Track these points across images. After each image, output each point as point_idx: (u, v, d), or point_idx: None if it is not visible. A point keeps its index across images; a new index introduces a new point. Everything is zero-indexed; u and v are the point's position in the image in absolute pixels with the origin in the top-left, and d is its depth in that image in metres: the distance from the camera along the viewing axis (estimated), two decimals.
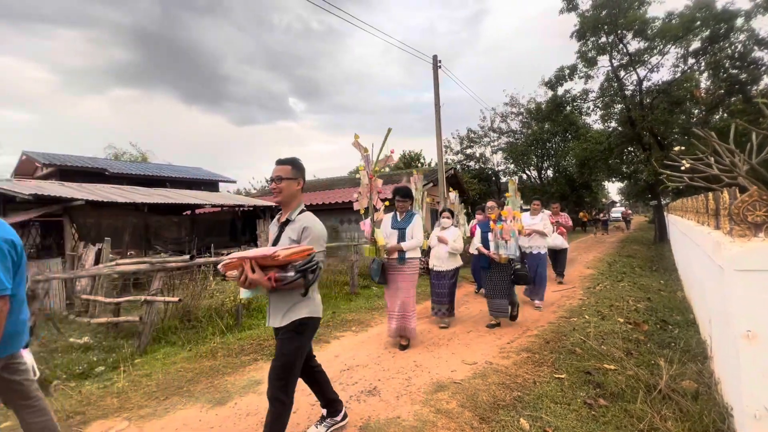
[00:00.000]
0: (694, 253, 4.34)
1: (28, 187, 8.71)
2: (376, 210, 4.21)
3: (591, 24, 14.48)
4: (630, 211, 28.16)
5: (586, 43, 15.27)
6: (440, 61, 12.44)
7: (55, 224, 9.17)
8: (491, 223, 4.65)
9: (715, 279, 2.55)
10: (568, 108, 17.54)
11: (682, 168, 4.21)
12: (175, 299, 4.47)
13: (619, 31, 14.47)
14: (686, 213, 5.58)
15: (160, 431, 2.58)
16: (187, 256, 5.29)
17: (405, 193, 4.23)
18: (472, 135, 26.56)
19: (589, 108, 17.38)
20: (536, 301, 5.62)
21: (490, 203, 4.86)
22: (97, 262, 6.15)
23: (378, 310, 5.78)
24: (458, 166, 24.35)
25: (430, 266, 4.95)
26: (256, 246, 11.00)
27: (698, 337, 3.76)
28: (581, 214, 24.07)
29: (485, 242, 4.77)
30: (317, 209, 11.40)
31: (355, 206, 4.28)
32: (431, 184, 13.01)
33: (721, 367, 2.62)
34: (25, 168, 14.79)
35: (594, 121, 20.08)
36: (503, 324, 4.78)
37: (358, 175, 4.98)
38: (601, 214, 23.45)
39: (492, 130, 26.33)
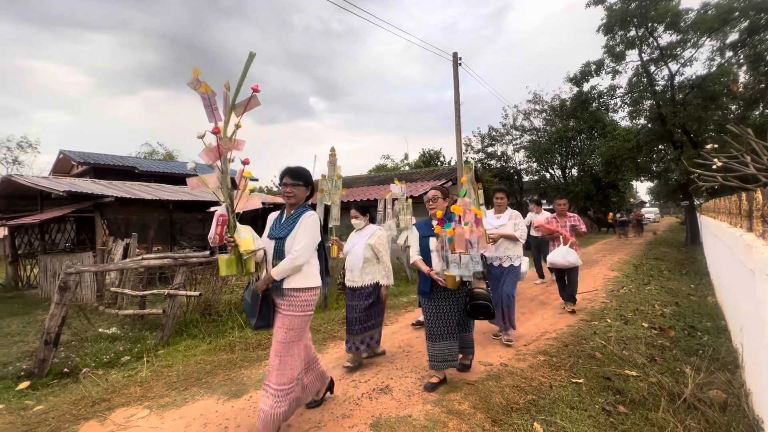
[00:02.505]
0: (725, 257, 4.13)
1: (62, 184, 9.18)
2: (234, 189, 2.33)
3: (619, 17, 13.94)
4: (642, 213, 25.89)
5: (614, 37, 14.71)
6: (461, 59, 12.29)
7: (89, 220, 9.63)
8: (434, 224, 3.00)
9: (746, 284, 2.41)
10: (594, 105, 16.95)
11: (714, 167, 4.00)
12: (196, 293, 4.61)
13: (649, 24, 13.86)
14: (719, 214, 5.30)
15: (179, 420, 2.67)
16: (209, 252, 5.44)
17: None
18: (494, 133, 26.11)
19: (616, 104, 16.74)
20: (504, 336, 4.09)
21: (432, 192, 3.20)
22: (125, 256, 6.42)
23: (393, 309, 5.78)
24: (479, 165, 24.02)
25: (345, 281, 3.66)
26: None
27: (729, 344, 3.57)
28: (610, 215, 23.24)
29: (426, 254, 3.08)
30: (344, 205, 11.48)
31: (193, 186, 2.36)
32: (450, 183, 12.89)
33: (752, 377, 2.48)
34: (62, 166, 15.59)
35: (621, 118, 19.30)
36: (519, 325, 4.65)
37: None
38: (619, 214, 22.47)
39: (514, 127, 25.80)
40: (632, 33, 14.51)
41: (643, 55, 14.75)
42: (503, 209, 4.27)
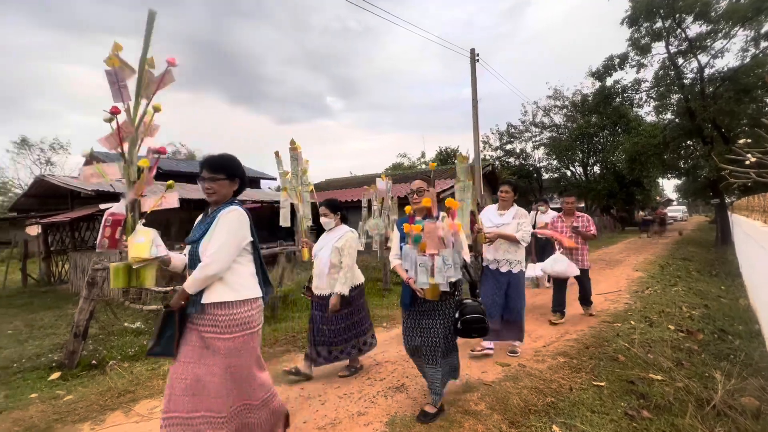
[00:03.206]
0: (759, 257, 3.92)
1: (91, 184, 9.55)
2: (137, 180, 1.97)
3: (644, 8, 13.43)
4: (665, 211, 24.06)
5: (639, 29, 14.18)
6: (478, 55, 12.12)
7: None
8: (406, 222, 2.54)
9: None
10: (618, 99, 16.40)
11: (747, 162, 3.81)
12: None
13: (677, 15, 13.30)
14: (752, 212, 5.04)
15: None
16: None
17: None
18: (512, 130, 25.67)
19: (641, 99, 16.14)
20: (516, 343, 3.72)
21: (417, 183, 2.63)
22: None
23: None
24: (497, 163, 23.68)
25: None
26: (293, 241, 11.34)
27: (763, 349, 3.40)
28: (639, 213, 22.45)
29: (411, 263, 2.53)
30: (351, 206, 11.54)
31: (87, 176, 2.04)
32: None
33: None
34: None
35: (647, 113, 18.59)
36: (538, 327, 4.57)
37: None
38: (644, 213, 21.62)
39: (534, 124, 25.29)
40: (658, 24, 13.95)
41: (670, 47, 14.18)
42: (509, 205, 3.70)
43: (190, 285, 1.86)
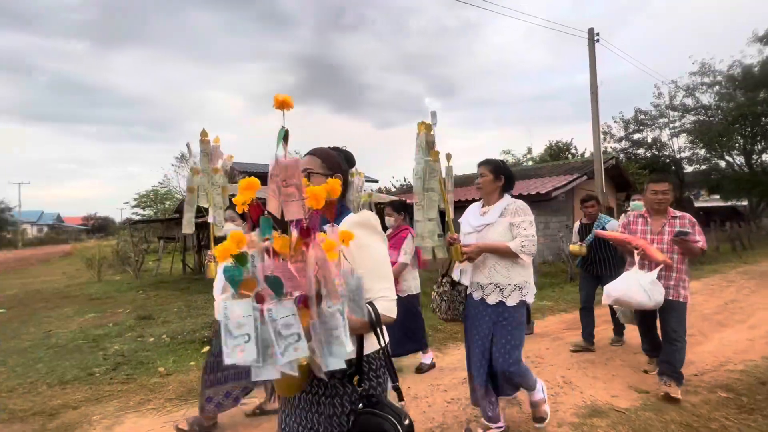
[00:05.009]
0: None
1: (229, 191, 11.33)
2: None
3: None
4: None
5: None
6: (598, 34, 10.71)
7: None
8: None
9: None
10: None
11: None
12: None
13: None
14: None
15: None
16: None
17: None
18: (642, 117, 21.99)
19: None
20: (536, 395, 2.42)
21: (306, 160, 1.36)
22: None
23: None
24: (621, 156, 20.60)
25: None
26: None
27: None
28: None
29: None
30: (457, 205, 11.29)
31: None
32: (585, 177, 11.32)
33: None
34: (230, 176, 19.45)
35: None
36: (687, 351, 3.68)
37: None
38: None
39: (672, 107, 21.22)
40: None
41: None
42: (492, 197, 2.34)
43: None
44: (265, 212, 0.96)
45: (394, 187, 24.06)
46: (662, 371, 2.84)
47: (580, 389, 2.98)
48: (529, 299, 2.27)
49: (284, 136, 0.98)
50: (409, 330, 3.28)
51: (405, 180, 24.40)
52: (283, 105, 1.00)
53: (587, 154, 22.05)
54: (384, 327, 1.20)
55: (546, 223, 10.73)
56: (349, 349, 0.94)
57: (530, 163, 26.23)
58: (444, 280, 2.37)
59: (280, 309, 0.88)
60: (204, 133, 2.86)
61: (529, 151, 28.86)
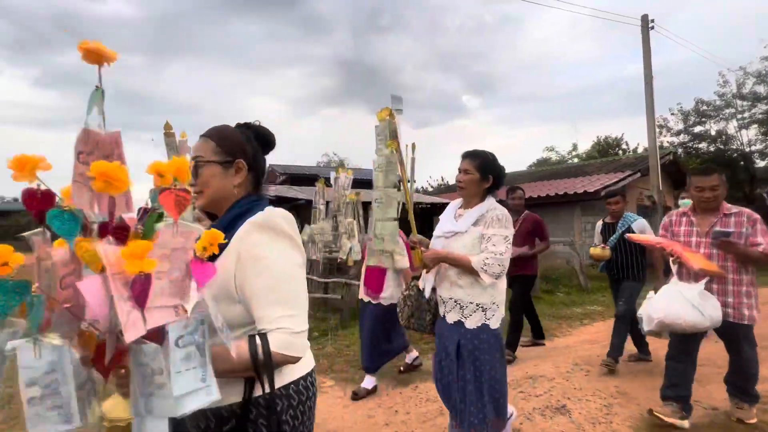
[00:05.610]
0: None
1: (271, 192, 11.85)
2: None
3: None
4: None
5: None
6: (652, 21, 9.97)
7: None
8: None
9: None
10: None
11: None
12: None
13: None
14: None
15: (345, 397, 2.98)
16: None
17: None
18: (704, 108, 20.17)
19: None
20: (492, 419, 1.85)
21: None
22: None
23: (566, 319, 5.14)
24: (680, 151, 19.06)
25: None
26: None
27: None
28: None
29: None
30: None
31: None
32: (638, 175, 10.56)
33: None
34: (270, 177, 20.25)
35: None
36: (762, 365, 3.33)
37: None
38: None
39: (740, 96, 19.28)
40: None
41: None
42: (474, 199, 1.96)
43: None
44: (62, 205, 0.61)
45: (431, 186, 23.84)
46: (731, 392, 2.48)
47: (637, 400, 2.78)
48: (494, 324, 1.84)
49: (99, 99, 0.65)
50: (390, 337, 3.15)
51: (443, 180, 24.09)
52: (92, 56, 0.65)
53: (640, 150, 20.61)
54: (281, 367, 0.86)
55: (594, 224, 10.15)
56: (213, 397, 0.64)
57: (575, 160, 24.91)
58: (413, 284, 2.15)
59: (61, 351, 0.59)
60: (168, 126, 2.60)
61: (575, 147, 27.37)
